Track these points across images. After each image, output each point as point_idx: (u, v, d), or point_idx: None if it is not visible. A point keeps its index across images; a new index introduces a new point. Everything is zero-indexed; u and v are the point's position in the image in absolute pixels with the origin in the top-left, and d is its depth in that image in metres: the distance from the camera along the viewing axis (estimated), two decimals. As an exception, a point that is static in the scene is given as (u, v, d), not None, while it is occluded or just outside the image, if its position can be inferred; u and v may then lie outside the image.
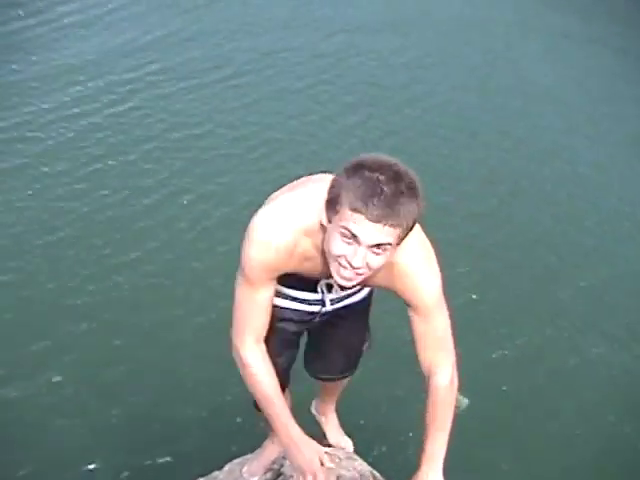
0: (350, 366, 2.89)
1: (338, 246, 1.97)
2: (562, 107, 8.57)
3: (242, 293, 2.27)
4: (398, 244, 1.99)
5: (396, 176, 1.89)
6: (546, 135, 7.98)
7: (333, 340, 2.76)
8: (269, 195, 2.33)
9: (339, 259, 2.00)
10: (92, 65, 8.05)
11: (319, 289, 2.45)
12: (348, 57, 8.88)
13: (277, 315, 2.51)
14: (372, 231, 1.91)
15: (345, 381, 3.01)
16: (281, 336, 2.57)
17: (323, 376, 2.94)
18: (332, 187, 1.97)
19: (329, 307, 2.53)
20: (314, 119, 7.61)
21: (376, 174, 1.88)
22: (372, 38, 9.39)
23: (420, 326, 2.25)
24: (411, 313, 2.26)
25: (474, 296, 5.57)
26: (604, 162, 7.68)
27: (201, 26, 9.24)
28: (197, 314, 5.18)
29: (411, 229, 1.98)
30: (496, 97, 8.56)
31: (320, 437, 3.25)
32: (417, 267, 2.17)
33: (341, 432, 3.26)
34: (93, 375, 4.73)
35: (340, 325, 2.68)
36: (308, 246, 2.15)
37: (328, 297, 2.49)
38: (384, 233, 1.91)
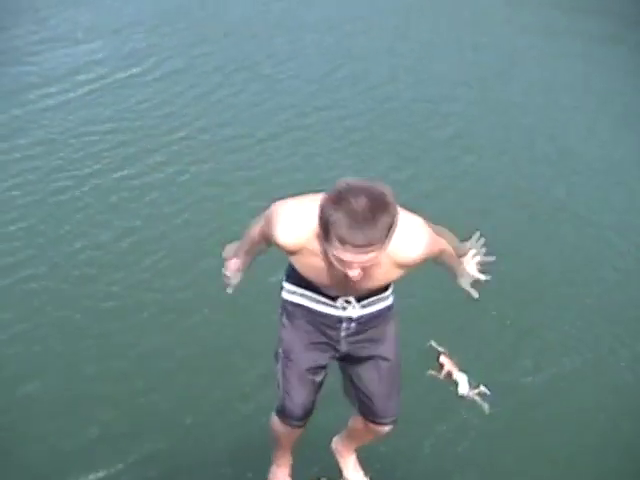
0: (399, 404, 3.02)
1: (336, 262, 2.38)
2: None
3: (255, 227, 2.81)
4: (385, 243, 2.31)
5: (370, 206, 2.23)
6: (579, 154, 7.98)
7: (376, 375, 2.93)
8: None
9: (340, 266, 2.39)
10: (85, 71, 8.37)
11: (339, 304, 2.75)
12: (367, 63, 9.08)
13: (305, 316, 2.80)
14: (358, 256, 2.30)
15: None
16: (310, 348, 2.81)
17: (383, 420, 3.04)
18: (322, 216, 2.30)
19: (352, 311, 2.77)
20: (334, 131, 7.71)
21: (353, 208, 2.22)
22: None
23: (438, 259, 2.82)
24: None
25: (494, 312, 5.60)
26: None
27: (205, 29, 9.47)
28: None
29: (392, 229, 2.30)
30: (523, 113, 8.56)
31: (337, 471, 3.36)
32: (410, 249, 2.56)
33: (358, 470, 3.39)
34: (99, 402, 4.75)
35: (375, 351, 2.88)
36: (317, 246, 2.50)
37: (349, 309, 2.78)
38: (369, 254, 2.30)
